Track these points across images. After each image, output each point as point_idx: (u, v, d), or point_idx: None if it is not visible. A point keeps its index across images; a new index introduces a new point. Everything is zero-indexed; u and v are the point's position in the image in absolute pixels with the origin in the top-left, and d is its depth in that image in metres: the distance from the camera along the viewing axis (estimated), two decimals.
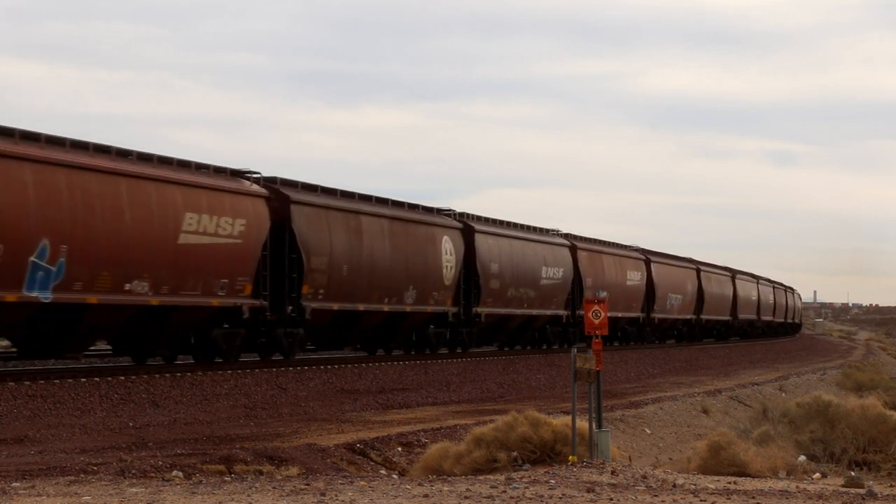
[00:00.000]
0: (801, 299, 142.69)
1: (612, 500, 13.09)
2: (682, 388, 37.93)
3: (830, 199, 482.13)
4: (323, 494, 13.03)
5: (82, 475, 14.88)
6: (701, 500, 13.28)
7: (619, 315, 60.13)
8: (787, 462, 19.72)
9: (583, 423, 18.41)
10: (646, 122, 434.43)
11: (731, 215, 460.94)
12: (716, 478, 16.82)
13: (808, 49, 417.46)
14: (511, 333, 51.24)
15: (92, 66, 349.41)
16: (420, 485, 14.26)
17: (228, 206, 31.76)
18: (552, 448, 18.80)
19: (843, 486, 16.78)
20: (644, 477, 15.87)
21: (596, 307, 18.89)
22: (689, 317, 74.79)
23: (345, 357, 39.45)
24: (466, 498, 13.02)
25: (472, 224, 46.03)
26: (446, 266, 42.78)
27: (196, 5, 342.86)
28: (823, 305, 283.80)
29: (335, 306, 35.81)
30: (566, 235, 56.54)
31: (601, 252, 59.87)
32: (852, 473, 18.85)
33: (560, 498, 13.09)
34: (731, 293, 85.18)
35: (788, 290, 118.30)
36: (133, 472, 15.54)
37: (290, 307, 33.90)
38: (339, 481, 14.49)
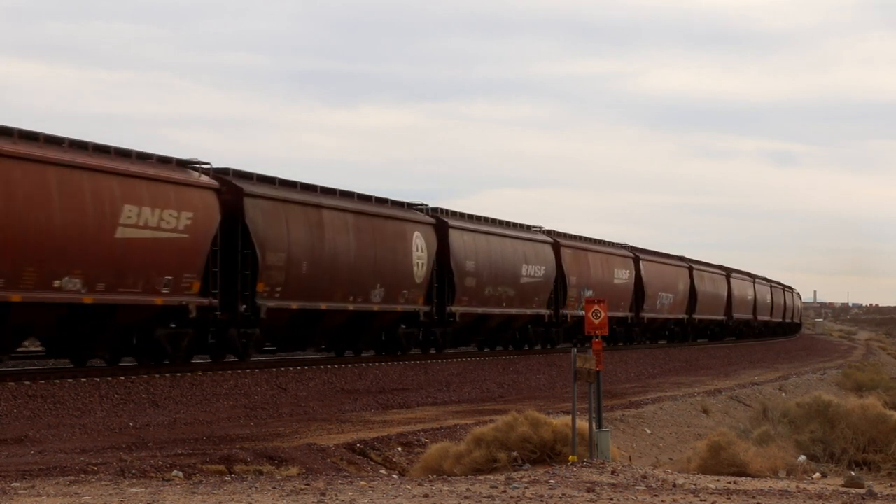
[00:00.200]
0: (800, 299, 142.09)
1: (612, 500, 13.09)
2: (682, 388, 37.93)
3: (830, 199, 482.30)
4: (323, 494, 13.03)
5: (82, 475, 14.88)
6: (701, 500, 13.28)
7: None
8: (787, 462, 19.72)
9: (583, 423, 18.41)
10: (646, 122, 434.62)
11: (731, 215, 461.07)
12: (716, 478, 16.82)
13: (808, 49, 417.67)
14: (490, 333, 49.51)
15: (92, 66, 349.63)
16: (420, 485, 14.26)
17: (173, 199, 29.85)
18: (552, 448, 18.80)
19: (843, 486, 16.78)
20: (644, 477, 15.88)
21: (596, 307, 18.89)
22: (681, 316, 73.26)
23: (345, 357, 39.17)
24: (466, 498, 13.02)
25: (446, 219, 44.26)
26: (417, 263, 40.97)
27: (196, 5, 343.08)
28: (823, 305, 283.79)
29: (294, 305, 34.20)
30: (549, 232, 54.59)
31: (586, 249, 57.95)
32: (852, 473, 18.85)
33: (560, 498, 13.10)
34: (725, 292, 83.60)
35: (787, 289, 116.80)
36: (133, 472, 15.54)
37: (244, 306, 32.21)
38: (339, 481, 14.49)
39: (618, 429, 25.47)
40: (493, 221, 49.13)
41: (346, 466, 18.52)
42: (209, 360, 32.53)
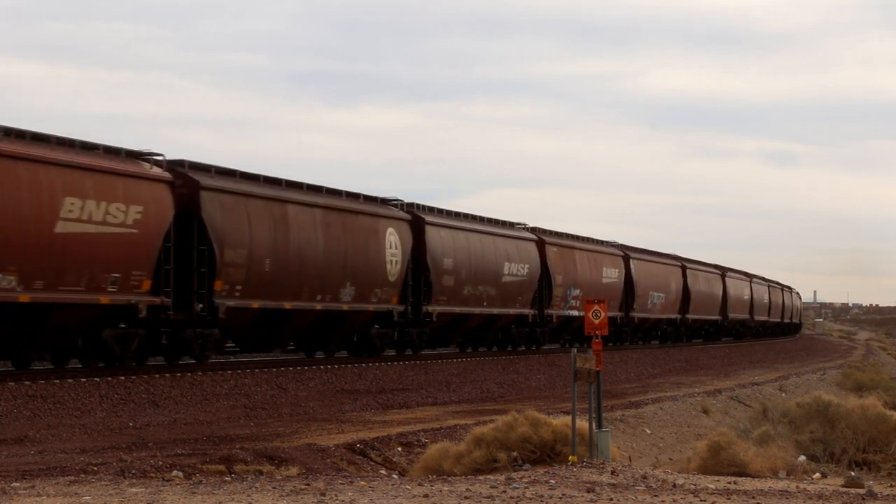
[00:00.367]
0: (800, 299, 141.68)
1: (612, 500, 13.09)
2: (682, 388, 37.93)
3: (830, 199, 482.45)
4: (323, 494, 13.04)
5: (82, 475, 14.88)
6: (701, 500, 13.28)
7: None
8: (787, 462, 19.72)
9: (583, 423, 18.41)
10: (646, 122, 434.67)
11: (731, 215, 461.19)
12: (716, 478, 16.82)
13: (808, 49, 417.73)
14: (470, 334, 47.80)
15: (92, 66, 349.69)
16: (420, 485, 14.26)
17: (121, 192, 28.23)
18: (552, 448, 18.80)
19: (843, 486, 16.78)
20: (644, 477, 15.88)
21: (596, 307, 18.89)
22: (673, 316, 71.72)
23: (345, 357, 39.06)
24: (466, 498, 13.02)
25: (422, 215, 42.46)
26: (391, 261, 39.35)
27: (196, 5, 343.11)
28: (823, 305, 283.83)
29: (255, 304, 32.67)
30: (533, 229, 52.88)
31: (573, 247, 56.03)
32: (852, 473, 18.86)
33: (560, 498, 13.10)
34: (720, 292, 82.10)
35: (786, 289, 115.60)
36: (133, 472, 15.54)
37: (201, 305, 30.65)
38: (339, 481, 14.49)
39: (618, 429, 25.47)
40: (474, 218, 47.64)
41: (346, 466, 18.52)
42: (164, 363, 31.20)
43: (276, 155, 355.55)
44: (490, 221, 48.87)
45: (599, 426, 18.52)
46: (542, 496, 13.18)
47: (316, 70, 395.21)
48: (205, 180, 31.33)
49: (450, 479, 15.48)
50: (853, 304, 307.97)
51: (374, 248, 38.58)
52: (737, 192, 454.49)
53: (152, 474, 15.57)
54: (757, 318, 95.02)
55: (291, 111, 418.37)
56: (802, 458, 20.39)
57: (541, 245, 51.90)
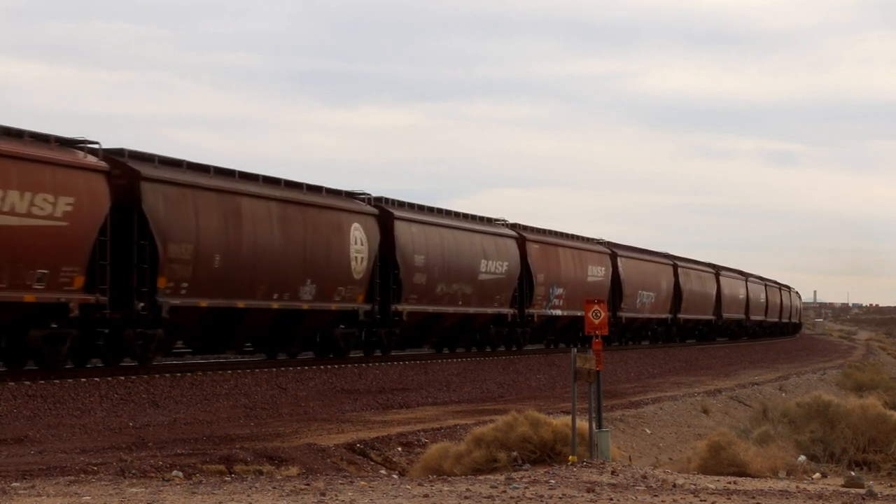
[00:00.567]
0: (800, 299, 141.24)
1: (612, 500, 13.09)
2: (682, 388, 37.93)
3: (830, 199, 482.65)
4: (323, 494, 13.04)
5: (82, 475, 14.88)
6: (701, 500, 13.28)
7: (579, 314, 52.02)
8: (787, 462, 19.73)
9: (583, 423, 18.41)
10: (646, 122, 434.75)
11: (732, 215, 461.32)
12: (716, 478, 16.82)
13: (808, 49, 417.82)
14: (445, 334, 45.69)
15: (92, 66, 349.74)
16: (420, 485, 14.26)
17: (49, 182, 26.41)
18: (552, 448, 18.80)
19: (843, 486, 16.78)
20: (644, 477, 15.88)
21: (596, 307, 18.89)
22: (664, 316, 69.85)
23: (345, 357, 38.88)
24: (466, 498, 13.02)
25: (391, 210, 40.43)
26: (356, 257, 37.30)
27: (196, 5, 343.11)
28: (823, 305, 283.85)
29: (204, 303, 30.76)
30: (513, 226, 50.89)
31: (556, 244, 53.83)
32: (852, 473, 18.86)
33: (560, 498, 13.10)
34: (714, 291, 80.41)
35: (784, 288, 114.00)
36: (133, 472, 15.54)
37: (142, 304, 28.79)
38: (339, 481, 14.49)
39: (618, 429, 25.47)
40: (448, 213, 45.59)
41: (346, 466, 18.52)
42: (102, 365, 29.32)
43: (276, 155, 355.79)
44: (466, 217, 47.16)
45: (599, 426, 18.52)
46: (542, 496, 13.18)
47: (316, 70, 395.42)
48: (146, 170, 29.50)
49: (450, 479, 15.48)
50: (853, 304, 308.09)
51: (337, 243, 36.59)
52: (737, 192, 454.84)
53: (152, 474, 15.58)
54: (753, 317, 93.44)
55: (291, 111, 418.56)
56: (802, 458, 20.40)
57: (521, 242, 50.13)
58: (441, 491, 13.61)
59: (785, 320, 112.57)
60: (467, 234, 45.62)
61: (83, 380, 26.66)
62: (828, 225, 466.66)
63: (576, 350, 18.73)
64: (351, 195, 38.90)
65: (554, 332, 54.85)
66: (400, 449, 20.43)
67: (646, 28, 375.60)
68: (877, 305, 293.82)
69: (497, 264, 47.17)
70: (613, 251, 61.88)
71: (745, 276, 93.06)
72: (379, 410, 26.89)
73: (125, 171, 28.99)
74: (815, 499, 13.79)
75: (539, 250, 51.64)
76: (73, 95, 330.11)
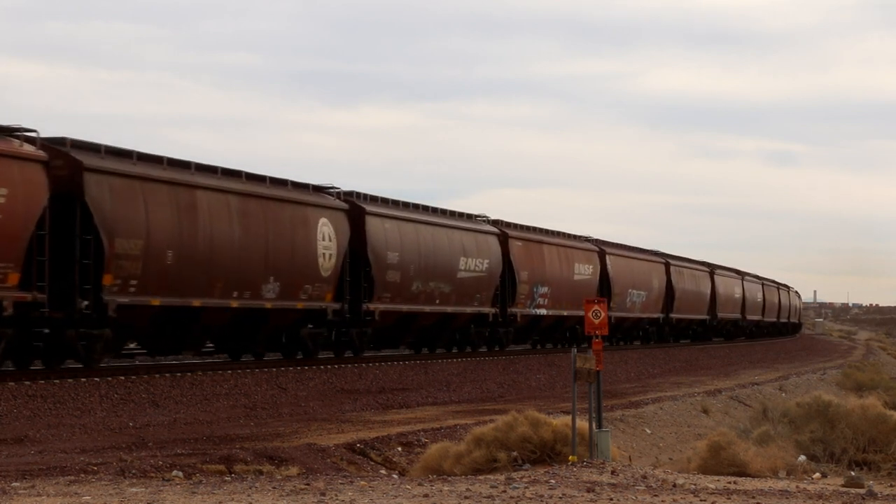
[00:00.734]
0: (800, 299, 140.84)
1: (612, 500, 13.09)
2: (682, 388, 37.94)
3: (830, 199, 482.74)
4: (323, 494, 13.04)
5: (82, 475, 14.88)
6: (701, 500, 13.28)
7: (565, 313, 53.11)
8: (787, 462, 19.73)
9: (583, 423, 18.41)
10: (646, 122, 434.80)
11: (731, 215, 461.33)
12: (716, 478, 16.83)
13: (808, 49, 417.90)
14: (422, 334, 43.98)
15: (92, 66, 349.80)
16: (420, 485, 14.26)
17: None
18: (552, 448, 18.81)
19: (843, 486, 16.79)
20: (644, 477, 15.88)
21: (596, 307, 18.89)
22: (656, 315, 68.18)
23: (345, 357, 38.80)
24: (466, 498, 13.02)
25: (363, 205, 38.62)
26: (324, 254, 35.60)
27: (196, 5, 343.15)
28: (823, 305, 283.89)
29: (156, 301, 29.18)
30: (495, 222, 49.07)
31: (541, 242, 52.10)
32: (852, 473, 18.86)
33: (560, 498, 13.10)
34: (708, 290, 78.71)
35: (782, 287, 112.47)
36: (133, 472, 15.54)
37: (86, 302, 27.12)
38: (339, 481, 14.49)
39: (618, 429, 25.47)
40: (425, 209, 43.71)
41: (346, 466, 18.52)
42: (43, 367, 27.83)
43: (276, 155, 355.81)
44: (445, 213, 45.35)
45: (599, 426, 18.52)
46: (542, 496, 13.18)
47: (316, 70, 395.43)
48: (90, 161, 27.78)
49: (450, 478, 15.48)
50: (853, 304, 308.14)
51: (303, 239, 34.90)
52: (737, 192, 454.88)
53: (152, 474, 15.58)
54: (749, 317, 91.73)
55: (291, 111, 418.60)
56: (802, 457, 20.40)
57: (503, 238, 48.44)
58: (441, 491, 13.61)
59: (783, 320, 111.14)
60: (445, 230, 44.02)
61: (83, 380, 26.67)
62: (828, 225, 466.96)
63: (575, 350, 18.74)
64: (319, 189, 37.29)
65: (539, 332, 53.73)
66: (400, 449, 20.43)
67: (646, 28, 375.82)
68: (877, 305, 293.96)
69: (477, 262, 45.64)
70: (602, 248, 60.46)
71: (741, 274, 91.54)
72: (379, 410, 26.89)
73: (67, 161, 27.42)
74: (815, 499, 13.79)
75: (522, 247, 50.14)
76: (73, 95, 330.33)
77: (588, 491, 13.71)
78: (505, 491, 13.59)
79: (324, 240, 35.84)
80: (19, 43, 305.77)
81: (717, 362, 58.20)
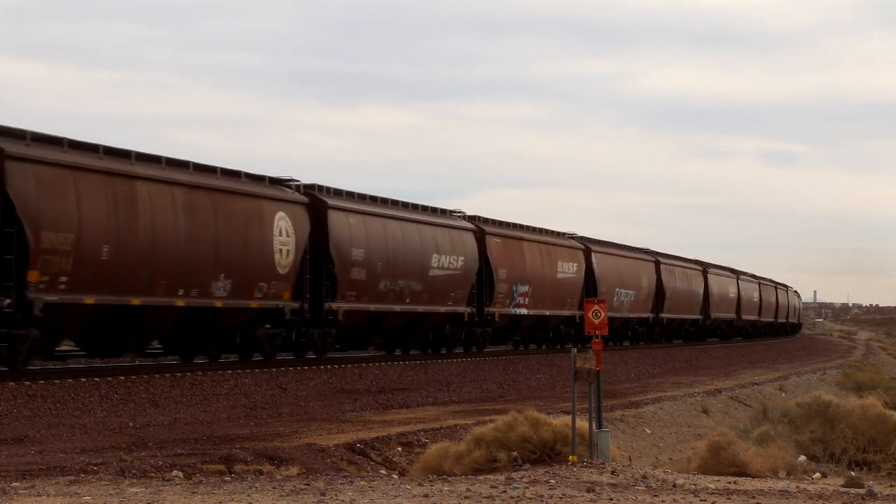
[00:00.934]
0: (800, 298, 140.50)
1: (612, 500, 13.09)
2: (682, 388, 37.94)
3: (830, 199, 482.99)
4: (323, 494, 13.04)
5: (82, 475, 14.88)
6: (701, 500, 13.28)
7: (547, 313, 51.73)
8: (787, 462, 19.73)
9: (583, 423, 18.42)
10: (646, 122, 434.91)
11: (731, 215, 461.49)
12: (716, 478, 16.83)
13: (808, 49, 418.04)
14: (392, 334, 41.97)
15: (92, 66, 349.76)
16: (420, 485, 14.26)
17: None
18: (552, 448, 18.81)
19: (843, 486, 16.79)
20: (644, 477, 15.88)
21: (596, 307, 18.89)
22: (645, 315, 66.25)
23: (345, 357, 38.76)
24: (466, 498, 13.02)
25: (325, 198, 36.55)
26: (280, 250, 33.62)
27: (196, 5, 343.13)
28: (823, 305, 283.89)
29: (90, 299, 27.23)
30: (472, 218, 47.17)
31: (521, 238, 50.12)
32: (852, 473, 18.86)
33: (560, 498, 13.10)
34: (701, 289, 76.53)
35: (781, 287, 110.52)
36: (133, 472, 15.54)
37: (8, 300, 25.27)
38: (339, 481, 14.49)
39: (618, 429, 25.47)
40: (394, 203, 41.42)
41: (346, 466, 18.52)
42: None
43: (276, 155, 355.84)
44: (416, 207, 43.01)
45: (599, 426, 18.53)
46: (542, 496, 13.18)
47: (316, 70, 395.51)
48: (13, 148, 25.82)
49: (450, 479, 15.48)
50: (853, 304, 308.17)
51: (257, 234, 32.80)
52: (737, 192, 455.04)
53: (152, 474, 15.58)
54: (745, 317, 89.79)
55: (291, 111, 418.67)
56: (802, 458, 20.40)
57: (480, 235, 46.27)
58: (441, 491, 13.61)
59: (782, 320, 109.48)
60: (416, 225, 41.70)
61: (83, 380, 26.67)
62: (828, 225, 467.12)
63: (576, 350, 18.73)
64: (277, 181, 35.13)
65: (520, 332, 52.27)
66: (400, 449, 20.43)
67: (646, 28, 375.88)
68: (877, 305, 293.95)
69: (451, 259, 43.39)
70: (587, 246, 58.42)
71: (737, 273, 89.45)
72: (379, 410, 26.89)
73: None
74: (815, 499, 13.79)
75: (501, 244, 48.04)
76: (73, 95, 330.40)
77: (588, 491, 13.71)
78: (505, 491, 13.59)
79: (281, 235, 33.88)
80: (19, 43, 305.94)
81: (717, 362, 58.20)
